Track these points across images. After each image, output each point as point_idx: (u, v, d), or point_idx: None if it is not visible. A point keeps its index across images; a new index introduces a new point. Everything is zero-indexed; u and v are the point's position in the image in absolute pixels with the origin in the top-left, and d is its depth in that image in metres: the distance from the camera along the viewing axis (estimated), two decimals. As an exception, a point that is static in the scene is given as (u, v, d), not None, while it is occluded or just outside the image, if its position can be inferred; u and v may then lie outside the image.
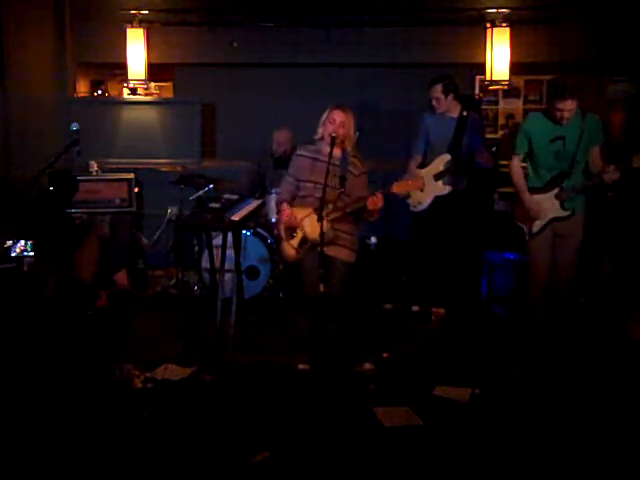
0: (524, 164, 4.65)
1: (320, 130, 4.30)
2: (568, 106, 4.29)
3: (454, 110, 5.37)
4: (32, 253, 4.40)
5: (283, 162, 6.31)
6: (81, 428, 3.62)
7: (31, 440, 3.49)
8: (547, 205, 4.50)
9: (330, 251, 4.18)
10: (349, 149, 4.31)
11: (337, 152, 4.25)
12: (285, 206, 4.34)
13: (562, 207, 4.47)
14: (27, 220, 4.57)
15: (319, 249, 3.95)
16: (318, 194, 4.07)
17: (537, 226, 4.53)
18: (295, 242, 4.32)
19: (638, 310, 5.08)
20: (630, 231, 5.43)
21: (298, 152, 4.44)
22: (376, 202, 4.04)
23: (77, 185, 4.71)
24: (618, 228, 5.46)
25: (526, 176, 4.59)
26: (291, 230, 4.32)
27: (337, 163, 4.22)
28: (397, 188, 4.08)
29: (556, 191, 4.47)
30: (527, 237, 4.59)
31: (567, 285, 4.54)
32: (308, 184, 4.31)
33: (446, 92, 5.31)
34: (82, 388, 4.03)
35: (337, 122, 4.22)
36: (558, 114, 4.34)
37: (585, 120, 4.38)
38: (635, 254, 5.38)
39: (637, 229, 5.42)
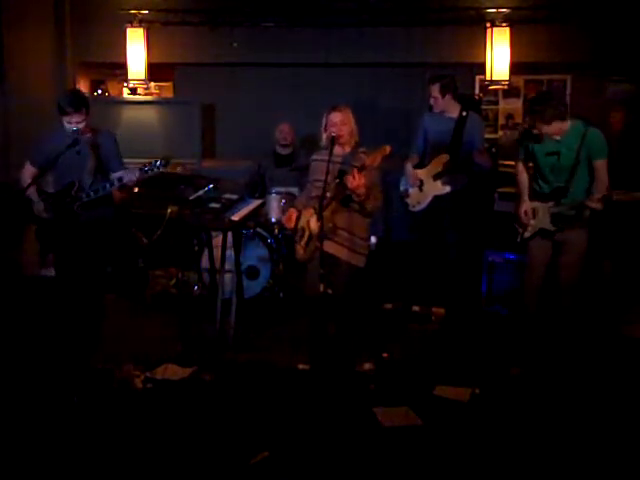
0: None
1: (324, 136, 4.35)
2: (545, 130, 4.32)
3: (453, 110, 5.36)
4: None
5: (284, 160, 6.34)
6: (81, 428, 3.62)
7: (31, 439, 3.49)
8: (541, 214, 4.51)
9: (330, 248, 4.18)
10: (356, 145, 4.35)
11: (346, 150, 4.32)
12: (291, 210, 4.45)
13: (551, 222, 4.46)
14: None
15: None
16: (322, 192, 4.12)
17: (529, 232, 4.56)
18: (303, 242, 4.35)
19: (635, 309, 5.09)
20: (631, 231, 5.42)
21: (313, 157, 4.52)
22: (352, 180, 4.04)
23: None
24: (619, 228, 5.44)
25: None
26: (301, 231, 4.36)
27: (338, 160, 4.26)
28: (369, 160, 4.09)
29: (551, 204, 4.46)
30: (518, 239, 4.62)
31: (567, 290, 4.49)
32: (315, 184, 4.37)
33: (443, 92, 5.30)
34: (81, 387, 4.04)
35: (338, 123, 4.26)
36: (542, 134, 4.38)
37: (586, 136, 4.33)
38: (635, 254, 5.38)
39: (638, 229, 5.42)
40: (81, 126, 4.51)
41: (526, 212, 4.54)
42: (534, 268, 4.60)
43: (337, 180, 4.20)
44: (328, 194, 4.16)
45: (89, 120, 4.58)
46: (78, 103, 4.49)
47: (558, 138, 4.36)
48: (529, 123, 4.49)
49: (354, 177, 4.03)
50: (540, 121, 4.31)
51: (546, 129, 4.33)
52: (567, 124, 4.34)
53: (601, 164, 4.37)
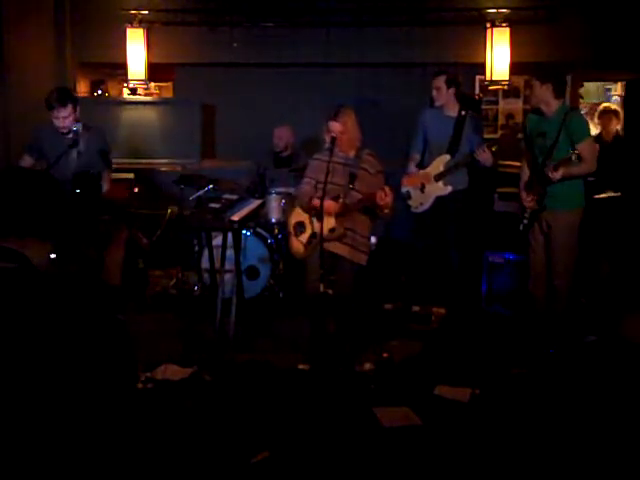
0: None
1: (327, 138, 4.37)
2: (537, 90, 4.39)
3: (453, 108, 5.35)
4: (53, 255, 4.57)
5: (284, 161, 6.34)
6: (81, 428, 3.62)
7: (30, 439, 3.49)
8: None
9: (334, 248, 4.18)
10: (360, 148, 4.37)
11: (350, 154, 4.33)
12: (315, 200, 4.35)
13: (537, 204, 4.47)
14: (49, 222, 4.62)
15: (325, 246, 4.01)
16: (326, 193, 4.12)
17: (525, 218, 4.60)
18: (304, 238, 4.35)
19: (633, 311, 5.09)
20: (629, 231, 5.42)
21: (314, 156, 4.54)
22: (384, 197, 4.04)
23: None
24: (617, 228, 5.45)
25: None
26: (300, 226, 4.36)
27: (342, 161, 4.27)
28: (407, 182, 4.09)
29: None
30: (520, 227, 4.64)
31: (559, 286, 4.50)
32: (319, 184, 4.37)
33: (449, 84, 5.28)
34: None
35: (337, 132, 4.28)
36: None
37: (566, 117, 4.34)
38: (633, 255, 5.38)
39: (636, 229, 5.42)
40: (68, 122, 4.58)
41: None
42: (532, 261, 4.65)
43: (351, 186, 4.21)
44: (341, 199, 4.17)
45: (76, 116, 4.65)
46: (64, 98, 4.59)
47: (545, 111, 4.38)
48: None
49: (386, 194, 4.02)
50: (536, 78, 4.32)
51: (537, 90, 4.33)
52: (557, 103, 4.35)
53: (583, 146, 4.35)
